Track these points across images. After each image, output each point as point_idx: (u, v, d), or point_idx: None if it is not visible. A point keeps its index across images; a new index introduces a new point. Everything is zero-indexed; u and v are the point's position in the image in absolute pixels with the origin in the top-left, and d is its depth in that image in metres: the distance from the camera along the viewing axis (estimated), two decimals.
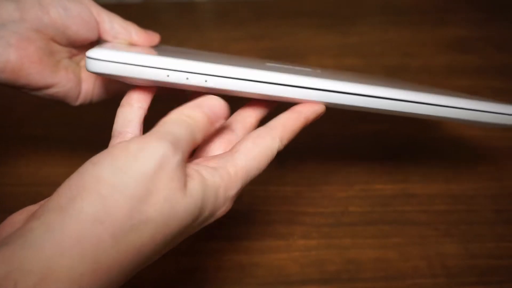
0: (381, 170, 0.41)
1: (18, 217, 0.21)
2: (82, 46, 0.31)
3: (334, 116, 0.48)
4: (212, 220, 0.23)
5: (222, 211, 0.23)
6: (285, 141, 0.25)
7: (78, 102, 0.32)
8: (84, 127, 0.45)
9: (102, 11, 0.31)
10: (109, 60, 0.24)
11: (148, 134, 0.21)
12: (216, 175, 0.22)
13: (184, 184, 0.21)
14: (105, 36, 0.31)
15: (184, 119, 0.22)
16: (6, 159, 0.41)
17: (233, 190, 0.23)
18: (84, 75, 0.32)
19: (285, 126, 0.26)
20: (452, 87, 0.50)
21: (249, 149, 0.24)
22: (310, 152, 0.43)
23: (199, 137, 0.23)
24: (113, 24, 0.31)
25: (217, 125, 0.24)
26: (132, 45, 0.32)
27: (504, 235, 0.35)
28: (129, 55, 0.25)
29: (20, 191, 0.38)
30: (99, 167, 0.19)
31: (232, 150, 0.24)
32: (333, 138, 0.45)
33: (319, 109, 0.27)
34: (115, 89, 0.33)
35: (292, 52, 0.55)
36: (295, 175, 0.40)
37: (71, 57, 0.31)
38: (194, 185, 0.21)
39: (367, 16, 0.61)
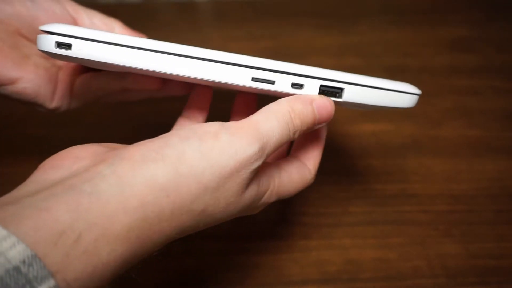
0: (381, 170, 0.41)
1: (81, 152, 0.20)
2: None
3: (334, 115, 0.48)
4: (243, 215, 0.24)
5: (254, 212, 0.25)
6: (314, 172, 0.27)
7: (53, 104, 0.30)
8: (84, 127, 0.45)
9: (79, 8, 0.31)
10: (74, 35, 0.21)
11: (246, 125, 0.21)
12: (270, 182, 0.24)
13: (246, 189, 0.21)
14: None
15: (288, 118, 0.22)
16: (6, 159, 0.41)
17: (271, 199, 0.25)
18: (61, 75, 0.30)
19: (315, 158, 0.28)
20: (452, 87, 0.50)
21: (286, 182, 0.25)
22: None
23: (297, 135, 0.23)
24: (92, 20, 0.31)
25: (318, 127, 0.24)
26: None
27: (504, 235, 0.35)
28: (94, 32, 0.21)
29: None
30: (186, 144, 0.20)
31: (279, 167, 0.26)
32: (334, 138, 0.45)
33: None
34: (98, 90, 0.31)
35: (292, 52, 0.55)
36: None
37: (47, 57, 0.30)
38: (251, 191, 0.22)
39: (367, 16, 0.61)
